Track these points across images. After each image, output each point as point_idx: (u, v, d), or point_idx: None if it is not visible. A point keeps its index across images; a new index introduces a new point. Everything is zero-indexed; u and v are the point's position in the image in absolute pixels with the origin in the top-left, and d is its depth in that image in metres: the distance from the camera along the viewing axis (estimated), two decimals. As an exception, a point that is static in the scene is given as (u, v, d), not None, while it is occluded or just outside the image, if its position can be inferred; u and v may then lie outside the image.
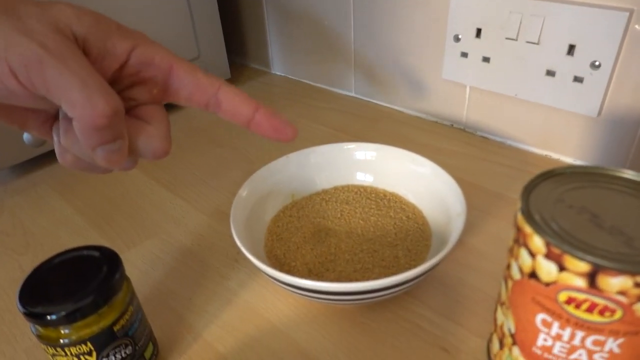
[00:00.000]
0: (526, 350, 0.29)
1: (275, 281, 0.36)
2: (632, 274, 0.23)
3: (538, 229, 0.25)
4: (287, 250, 0.43)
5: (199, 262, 0.47)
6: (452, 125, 0.67)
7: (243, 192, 0.45)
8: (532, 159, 0.58)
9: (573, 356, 0.27)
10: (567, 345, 0.27)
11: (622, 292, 0.23)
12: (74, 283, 0.30)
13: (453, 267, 0.43)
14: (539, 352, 0.28)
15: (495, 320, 0.33)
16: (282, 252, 0.43)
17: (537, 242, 0.25)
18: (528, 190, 0.28)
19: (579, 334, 0.26)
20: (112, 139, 0.24)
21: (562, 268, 0.24)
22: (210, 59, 0.79)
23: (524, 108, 0.58)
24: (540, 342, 0.28)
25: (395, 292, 0.36)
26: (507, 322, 0.31)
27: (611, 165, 0.54)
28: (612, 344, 0.25)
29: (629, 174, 0.29)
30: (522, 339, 0.29)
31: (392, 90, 0.72)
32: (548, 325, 0.27)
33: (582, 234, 0.25)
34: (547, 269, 0.25)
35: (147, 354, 0.34)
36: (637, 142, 0.51)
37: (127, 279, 0.33)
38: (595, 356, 0.26)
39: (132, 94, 0.28)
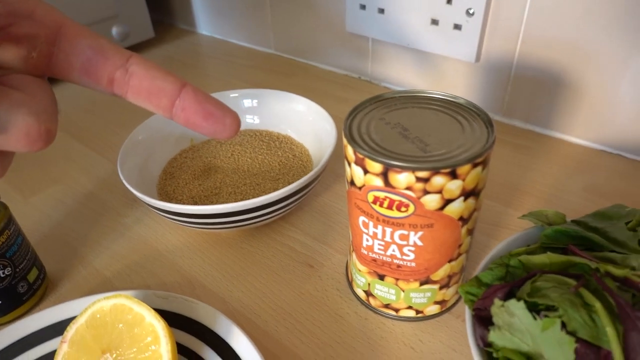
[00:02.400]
0: (358, 253, 0.34)
1: (155, 210, 0.39)
2: (413, 170, 0.27)
3: (349, 140, 0.29)
4: (176, 186, 0.46)
5: (100, 204, 0.49)
6: (360, 77, 0.70)
7: (138, 135, 0.47)
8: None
9: (389, 252, 0.31)
10: (382, 242, 0.31)
11: (409, 188, 0.27)
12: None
13: (330, 197, 0.47)
14: (365, 252, 0.33)
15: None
16: (172, 189, 0.46)
17: (349, 151, 0.29)
18: (355, 111, 0.32)
19: (388, 230, 0.30)
20: None
21: (366, 171, 0.28)
22: (130, 17, 0.80)
23: (417, 57, 0.61)
24: (364, 243, 0.32)
25: (267, 215, 0.39)
26: (349, 232, 0.35)
27: (489, 107, 0.58)
28: (415, 237, 0.30)
29: (440, 94, 0.33)
30: (355, 243, 0.34)
31: (306, 46, 0.75)
32: (366, 225, 0.31)
33: (387, 143, 0.29)
34: (358, 174, 0.29)
35: (31, 277, 0.37)
36: (510, 86, 0.55)
37: (3, 206, 0.35)
38: (405, 250, 0.31)
39: (0, 57, 0.20)
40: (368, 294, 0.35)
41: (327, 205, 0.47)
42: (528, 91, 0.54)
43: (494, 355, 0.25)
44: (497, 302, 0.24)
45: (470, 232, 0.31)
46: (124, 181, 0.40)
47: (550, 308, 0.24)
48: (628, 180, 0.48)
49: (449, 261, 0.32)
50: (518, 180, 0.49)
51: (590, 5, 0.46)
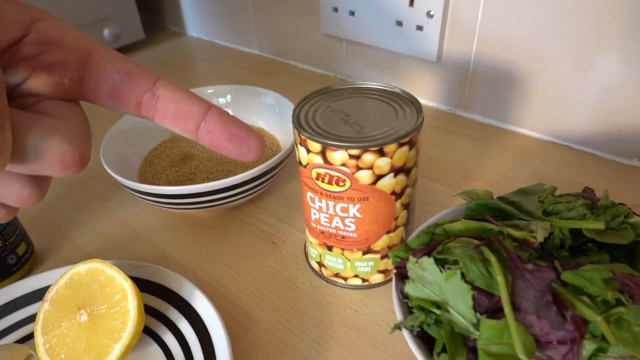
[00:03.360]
0: (309, 227, 0.38)
1: (134, 193, 0.43)
2: (345, 148, 0.31)
3: (295, 125, 0.33)
4: (155, 172, 0.50)
5: (87, 190, 0.54)
6: (336, 75, 0.75)
7: (121, 126, 0.51)
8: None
9: (334, 224, 0.35)
10: (327, 215, 0.35)
11: (344, 164, 0.31)
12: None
13: (297, 184, 0.52)
14: (314, 225, 0.37)
15: (302, 212, 0.41)
16: (152, 174, 0.50)
17: (296, 134, 0.33)
18: (305, 100, 0.36)
19: (331, 204, 0.34)
20: None
21: (308, 151, 0.32)
22: (121, 19, 0.84)
23: (386, 56, 0.66)
24: (313, 216, 0.36)
25: (235, 196, 0.43)
26: (303, 209, 0.39)
27: (450, 102, 0.62)
28: (354, 210, 0.34)
29: (380, 85, 0.37)
30: (306, 217, 0.38)
31: (286, 46, 0.79)
32: (313, 200, 0.35)
33: (328, 127, 0.33)
34: (303, 154, 0.33)
35: (20, 251, 0.41)
36: (469, 82, 0.59)
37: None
38: (346, 221, 0.35)
39: (33, 85, 0.20)
40: (320, 264, 0.39)
41: (294, 191, 0.51)
42: (485, 87, 0.58)
43: (409, 304, 0.29)
44: (412, 259, 0.28)
45: (405, 206, 0.35)
46: (105, 166, 0.44)
47: (455, 263, 0.28)
48: (572, 168, 0.52)
49: (387, 232, 0.36)
50: (472, 168, 0.53)
51: (539, 8, 0.50)
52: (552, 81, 0.53)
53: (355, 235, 0.35)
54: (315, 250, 0.39)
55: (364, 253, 0.37)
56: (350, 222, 0.35)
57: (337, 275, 0.39)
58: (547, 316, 0.24)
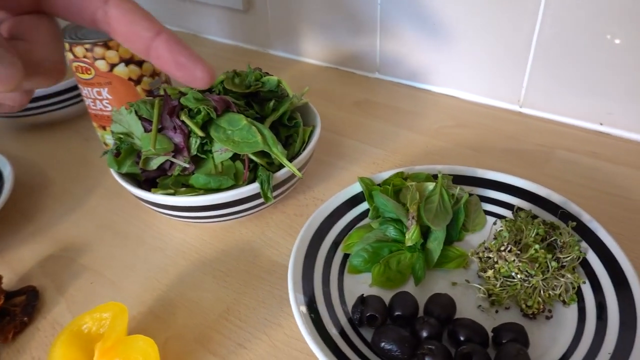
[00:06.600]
0: (90, 114, 0.53)
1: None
2: (82, 44, 0.46)
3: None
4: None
5: None
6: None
7: None
8: (223, 49, 0.82)
9: (99, 106, 0.50)
10: (91, 99, 0.50)
11: (85, 56, 0.47)
12: None
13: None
14: (90, 111, 0.52)
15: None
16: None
17: (66, 45, 0.48)
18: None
19: (91, 90, 0.49)
20: None
21: (67, 50, 0.47)
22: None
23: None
24: (86, 103, 0.51)
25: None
26: (91, 104, 0.54)
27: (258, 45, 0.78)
28: (105, 93, 0.49)
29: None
30: (87, 107, 0.53)
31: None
32: (82, 90, 0.50)
33: (81, 35, 0.48)
34: (68, 57, 0.48)
35: None
36: (270, 28, 0.75)
37: None
38: (104, 102, 0.50)
39: None
40: (105, 144, 0.55)
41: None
42: (284, 26, 0.74)
43: (113, 138, 0.44)
44: (114, 110, 0.44)
45: (148, 92, 0.51)
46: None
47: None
48: (333, 82, 0.68)
49: (138, 111, 0.51)
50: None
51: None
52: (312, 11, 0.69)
53: (114, 113, 0.51)
54: (99, 133, 0.54)
55: (126, 128, 0.52)
56: (107, 103, 0.50)
57: (116, 150, 0.54)
58: (170, 128, 0.40)
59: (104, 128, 0.53)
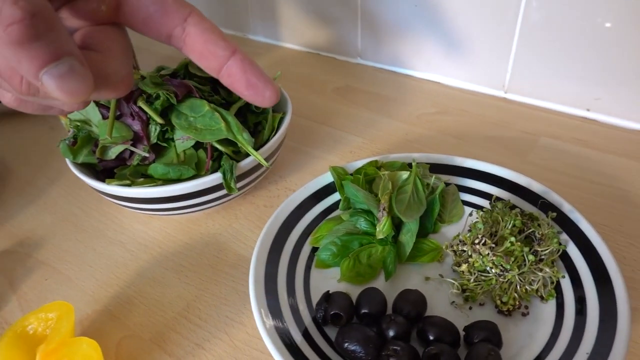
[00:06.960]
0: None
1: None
2: None
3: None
4: None
5: None
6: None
7: None
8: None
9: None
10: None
11: None
12: None
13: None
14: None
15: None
16: None
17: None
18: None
19: None
20: (54, 57, 0.17)
21: None
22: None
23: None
24: None
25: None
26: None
27: (237, 30, 0.76)
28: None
29: None
30: None
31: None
32: None
33: None
34: None
35: None
36: (250, 12, 0.72)
37: None
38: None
39: (72, 13, 0.21)
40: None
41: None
42: (264, 10, 0.71)
43: (70, 125, 0.41)
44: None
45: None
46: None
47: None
48: (313, 68, 0.66)
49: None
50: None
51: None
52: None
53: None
54: (63, 121, 0.52)
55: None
56: None
57: (82, 139, 0.52)
58: (128, 114, 0.37)
59: (66, 115, 0.50)
